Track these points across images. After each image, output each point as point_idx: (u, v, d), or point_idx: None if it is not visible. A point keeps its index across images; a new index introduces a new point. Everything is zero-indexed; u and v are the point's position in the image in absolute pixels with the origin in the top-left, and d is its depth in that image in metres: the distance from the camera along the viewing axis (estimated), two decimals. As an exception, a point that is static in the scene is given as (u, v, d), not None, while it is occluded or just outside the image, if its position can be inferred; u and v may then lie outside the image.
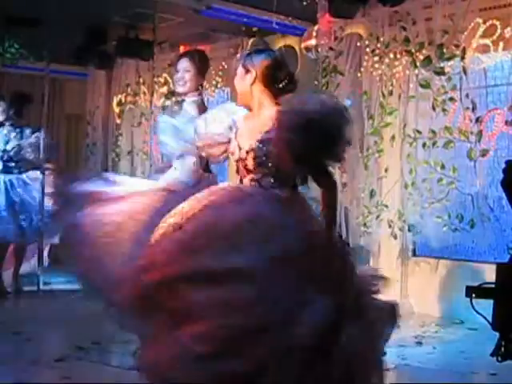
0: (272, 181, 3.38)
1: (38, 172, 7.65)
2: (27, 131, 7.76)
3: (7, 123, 7.69)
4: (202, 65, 4.98)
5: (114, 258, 3.82)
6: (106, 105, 10.60)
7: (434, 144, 7.01)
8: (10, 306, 6.86)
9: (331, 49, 7.57)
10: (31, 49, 8.63)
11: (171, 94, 8.95)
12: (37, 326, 5.94)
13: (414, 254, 7.35)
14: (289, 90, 3.50)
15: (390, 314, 3.43)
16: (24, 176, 7.72)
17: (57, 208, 4.52)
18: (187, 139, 4.40)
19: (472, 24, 6.73)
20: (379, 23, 7.41)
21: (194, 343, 2.91)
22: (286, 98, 3.41)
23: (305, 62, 7.81)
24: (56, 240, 7.70)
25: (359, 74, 7.63)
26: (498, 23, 6.62)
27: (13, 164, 7.70)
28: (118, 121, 10.39)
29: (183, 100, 5.01)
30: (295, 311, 3.02)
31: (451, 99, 6.87)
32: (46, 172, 7.61)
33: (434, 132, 6.99)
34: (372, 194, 7.45)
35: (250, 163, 3.41)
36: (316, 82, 7.80)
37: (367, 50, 7.49)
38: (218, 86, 8.88)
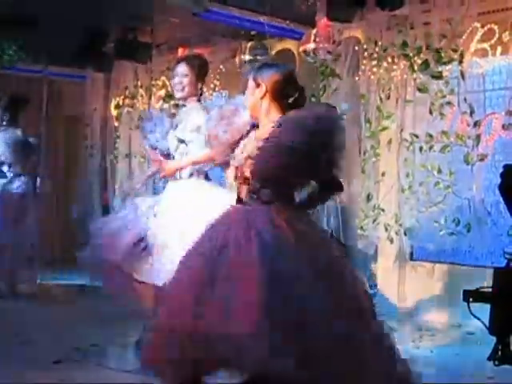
0: (270, 193, 3.39)
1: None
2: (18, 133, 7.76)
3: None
4: (200, 69, 4.97)
5: None
6: (104, 107, 10.59)
7: (430, 148, 7.02)
8: (7, 308, 6.84)
9: (329, 52, 7.58)
10: (29, 51, 8.63)
11: (169, 97, 8.95)
12: (34, 327, 5.94)
13: (411, 258, 7.35)
14: (298, 105, 3.53)
15: None
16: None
17: None
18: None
19: (470, 28, 6.74)
20: (377, 27, 7.42)
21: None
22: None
23: (303, 66, 7.82)
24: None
25: (357, 78, 7.64)
26: (496, 27, 6.65)
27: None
28: (116, 123, 10.39)
29: (183, 105, 5.01)
30: None
31: (449, 103, 6.89)
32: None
33: (431, 136, 7.00)
34: (369, 197, 7.46)
35: (247, 170, 3.43)
36: (314, 86, 7.81)
37: (365, 53, 7.50)
38: (216, 89, 8.88)
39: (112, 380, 4.54)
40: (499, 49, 6.65)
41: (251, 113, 3.58)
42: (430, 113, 6.98)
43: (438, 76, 6.92)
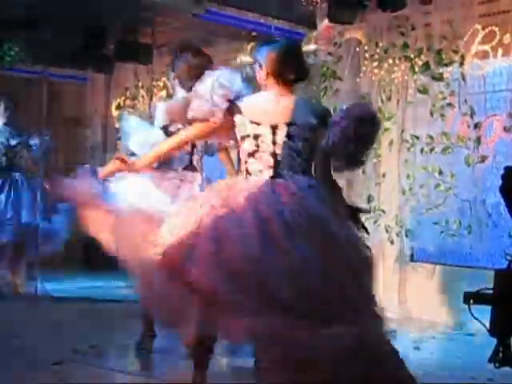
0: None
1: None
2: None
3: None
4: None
5: None
6: (104, 108, 10.59)
7: (431, 150, 7.02)
8: (7, 309, 6.83)
9: (330, 54, 7.58)
10: (30, 52, 8.63)
11: (170, 97, 8.95)
12: (34, 329, 5.93)
13: (412, 260, 7.35)
14: (301, 78, 3.58)
15: None
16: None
17: None
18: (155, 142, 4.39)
19: (471, 30, 6.75)
20: (378, 29, 7.42)
21: None
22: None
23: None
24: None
25: (358, 80, 7.64)
26: (497, 29, 6.65)
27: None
28: (117, 125, 10.38)
29: None
30: None
31: (449, 105, 6.89)
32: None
33: (431, 137, 7.01)
34: (370, 199, 7.45)
35: (280, 151, 3.53)
36: (315, 87, 7.80)
37: (366, 55, 7.50)
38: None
39: (111, 381, 4.54)
40: (500, 51, 6.65)
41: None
42: (431, 114, 6.99)
43: (439, 77, 6.92)
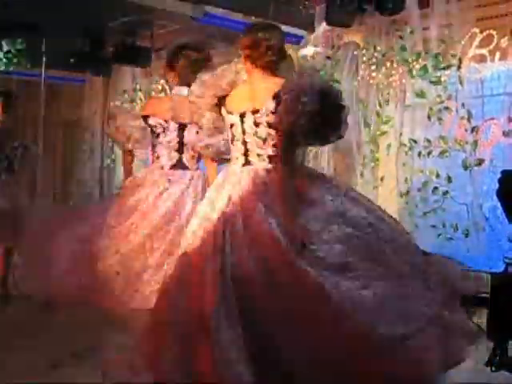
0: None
1: None
2: None
3: None
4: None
5: None
6: (103, 111, 10.59)
7: (429, 153, 7.02)
8: (2, 312, 6.82)
9: (328, 57, 7.58)
10: (28, 54, 8.63)
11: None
12: (30, 332, 5.92)
13: (410, 263, 7.33)
14: (277, 61, 3.64)
15: None
16: None
17: None
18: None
19: (469, 34, 6.75)
20: (376, 32, 7.43)
21: None
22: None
23: (301, 71, 7.81)
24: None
25: (356, 83, 7.64)
26: (494, 33, 6.65)
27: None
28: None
29: None
30: None
31: (447, 108, 6.88)
32: None
33: (429, 141, 7.01)
34: (368, 202, 7.43)
35: (250, 139, 3.56)
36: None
37: (364, 58, 7.50)
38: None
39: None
40: (498, 54, 6.66)
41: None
42: (429, 118, 6.98)
43: (437, 81, 6.92)
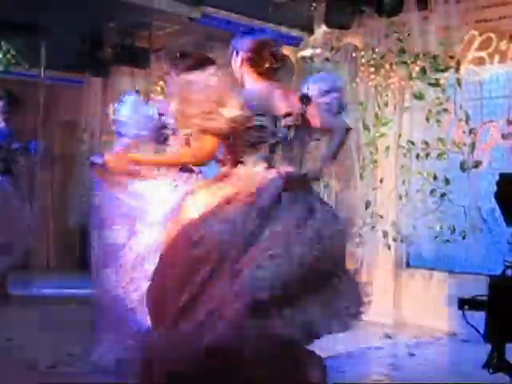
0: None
1: None
2: None
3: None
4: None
5: None
6: (101, 112, 10.58)
7: (427, 155, 7.02)
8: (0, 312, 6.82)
9: (327, 59, 7.58)
10: (27, 55, 8.63)
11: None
12: (28, 332, 5.93)
13: (408, 265, 7.35)
14: (276, 69, 3.59)
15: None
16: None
17: None
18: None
19: (468, 36, 6.75)
20: (375, 34, 7.42)
21: None
22: None
23: (300, 72, 7.82)
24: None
25: (355, 85, 7.64)
26: (493, 36, 6.65)
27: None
28: (113, 127, 10.35)
29: None
30: None
31: (445, 111, 6.89)
32: None
33: (427, 143, 7.01)
34: (367, 204, 7.44)
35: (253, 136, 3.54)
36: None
37: (363, 60, 7.50)
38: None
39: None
40: (497, 57, 6.66)
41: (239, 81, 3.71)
42: (427, 120, 6.98)
43: (435, 83, 6.92)
